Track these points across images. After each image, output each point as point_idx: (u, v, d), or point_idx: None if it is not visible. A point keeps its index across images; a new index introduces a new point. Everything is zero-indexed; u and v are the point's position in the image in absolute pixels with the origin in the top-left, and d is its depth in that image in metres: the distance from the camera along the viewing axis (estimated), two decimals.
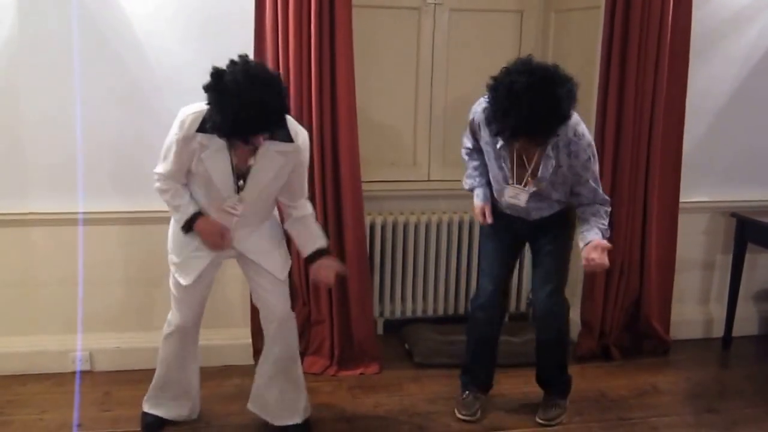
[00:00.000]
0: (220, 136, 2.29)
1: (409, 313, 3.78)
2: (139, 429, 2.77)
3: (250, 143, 2.30)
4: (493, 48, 3.70)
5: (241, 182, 2.42)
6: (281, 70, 3.03)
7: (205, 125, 2.31)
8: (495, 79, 2.44)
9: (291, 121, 2.45)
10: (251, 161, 2.40)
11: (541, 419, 2.96)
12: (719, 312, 3.80)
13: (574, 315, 3.68)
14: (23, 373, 3.14)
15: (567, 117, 2.44)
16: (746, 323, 3.86)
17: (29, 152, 3.03)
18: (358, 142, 3.17)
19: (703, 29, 3.46)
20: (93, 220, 3.09)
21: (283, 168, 2.44)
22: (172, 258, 2.59)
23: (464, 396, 3.01)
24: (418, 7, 3.68)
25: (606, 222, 2.71)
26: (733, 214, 3.68)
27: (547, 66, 2.42)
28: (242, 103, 2.12)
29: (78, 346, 3.18)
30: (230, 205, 2.45)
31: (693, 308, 3.85)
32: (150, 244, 3.11)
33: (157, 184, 2.49)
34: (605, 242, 2.63)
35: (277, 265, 2.61)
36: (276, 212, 2.71)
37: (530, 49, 3.72)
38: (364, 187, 3.30)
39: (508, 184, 2.71)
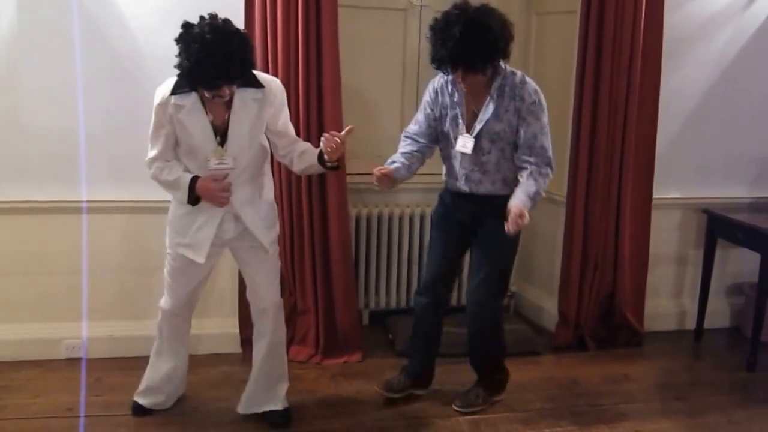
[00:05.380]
0: (188, 84, 2.40)
1: (393, 305, 3.89)
2: (129, 413, 2.87)
3: (216, 94, 2.39)
4: None
5: (219, 138, 2.51)
6: (270, 68, 3.16)
7: (177, 89, 2.46)
8: (434, 17, 2.67)
9: (263, 75, 2.59)
10: (227, 115, 2.50)
11: (455, 405, 3.00)
12: (692, 305, 3.93)
13: (551, 306, 3.82)
14: (17, 359, 3.22)
15: (499, 47, 2.59)
16: (718, 316, 4.00)
17: (26, 142, 3.12)
18: None
19: (675, 34, 3.59)
20: (88, 209, 3.17)
21: (260, 114, 2.55)
22: (178, 240, 2.65)
23: (394, 375, 3.10)
24: (404, 8, 3.80)
25: (538, 184, 2.69)
26: (705, 211, 3.81)
27: (481, 3, 2.63)
28: (205, 49, 2.27)
29: (83, 334, 3.27)
30: (217, 162, 2.52)
31: (666, 301, 3.97)
32: (144, 234, 3.21)
33: (151, 170, 2.59)
34: (519, 210, 2.55)
35: (266, 237, 2.67)
36: (272, 196, 2.77)
37: (512, 50, 3.86)
38: (350, 179, 3.41)
39: (459, 134, 2.77)
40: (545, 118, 2.74)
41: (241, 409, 2.86)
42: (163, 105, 2.49)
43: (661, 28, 3.49)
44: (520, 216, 2.54)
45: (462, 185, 2.85)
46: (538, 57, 3.93)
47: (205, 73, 2.31)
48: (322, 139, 2.56)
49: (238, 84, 2.46)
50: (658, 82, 3.55)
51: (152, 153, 2.57)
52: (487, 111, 2.73)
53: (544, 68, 3.86)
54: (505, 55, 2.65)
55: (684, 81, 3.70)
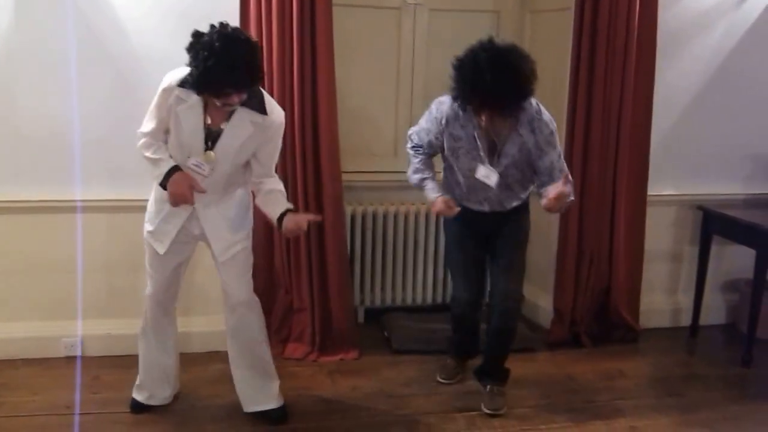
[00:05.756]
0: (195, 89, 2.42)
1: (389, 302, 3.91)
2: (126, 410, 2.90)
3: (223, 102, 2.41)
4: None
5: (209, 143, 2.54)
6: (264, 66, 3.14)
7: (185, 83, 2.47)
8: (459, 58, 2.60)
9: (270, 99, 2.62)
10: (223, 125, 2.52)
11: (490, 409, 3.00)
12: (687, 302, 3.93)
13: (546, 303, 3.83)
14: (15, 357, 3.25)
15: (529, 90, 2.59)
16: (714, 312, 4.01)
17: (22, 142, 3.15)
18: (337, 134, 3.30)
19: (669, 30, 3.60)
20: (84, 208, 3.20)
21: (252, 138, 2.56)
22: (147, 227, 2.71)
23: (447, 361, 3.25)
24: (398, 7, 3.83)
25: (569, 188, 2.72)
26: (700, 207, 3.81)
27: (507, 44, 2.60)
28: (213, 56, 2.28)
29: (78, 332, 3.30)
30: (196, 162, 2.54)
31: (662, 298, 3.98)
32: (139, 233, 3.22)
33: (140, 142, 2.61)
34: (564, 182, 2.65)
35: (221, 243, 2.68)
36: (251, 203, 2.79)
37: None
38: (346, 177, 3.44)
39: (481, 164, 2.78)
40: (558, 141, 2.81)
41: (245, 408, 2.88)
42: (167, 91, 2.51)
43: (655, 24, 3.50)
44: (568, 182, 2.61)
45: (484, 207, 2.90)
46: (532, 54, 3.88)
47: (213, 81, 2.33)
48: (288, 217, 2.59)
49: (247, 99, 2.46)
50: (652, 79, 3.56)
51: (145, 128, 2.60)
52: (512, 145, 2.76)
53: (538, 66, 3.82)
54: (532, 95, 2.65)
55: (678, 77, 3.71)
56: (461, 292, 2.99)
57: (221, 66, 2.29)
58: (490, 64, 2.49)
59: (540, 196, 2.82)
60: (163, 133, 2.60)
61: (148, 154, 2.60)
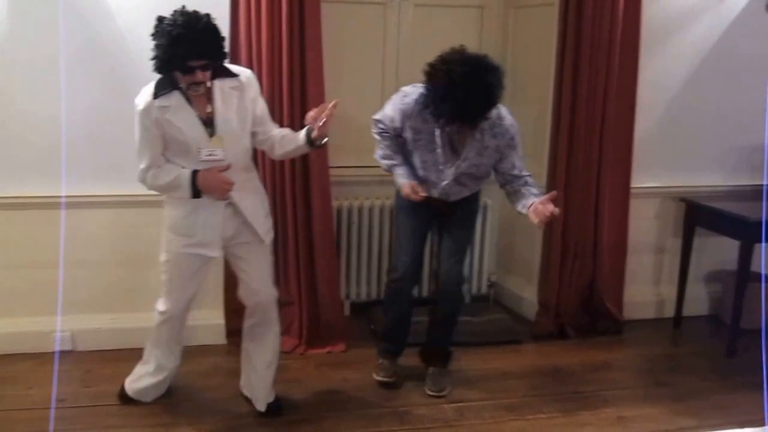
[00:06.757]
0: (162, 66, 2.45)
1: (374, 296, 3.93)
2: (119, 403, 2.93)
3: (189, 80, 2.45)
4: (455, 42, 3.80)
5: (209, 130, 2.56)
6: (254, 61, 3.21)
7: (157, 93, 2.50)
8: (432, 66, 2.65)
9: (233, 66, 2.68)
10: (209, 108, 2.55)
11: (433, 390, 3.08)
12: (671, 293, 3.97)
13: (531, 296, 3.87)
14: (9, 352, 3.27)
15: (497, 102, 2.67)
16: (697, 304, 4.05)
17: (14, 138, 3.16)
18: None
19: (653, 25, 3.64)
20: (75, 204, 3.19)
21: (241, 102, 2.60)
22: (188, 241, 2.63)
23: (380, 361, 3.22)
24: (383, 2, 3.86)
25: (536, 190, 2.87)
26: (683, 199, 3.86)
27: (479, 55, 2.66)
28: (178, 27, 2.38)
29: (73, 327, 3.32)
30: (208, 152, 2.55)
31: (645, 290, 4.02)
32: (131, 228, 3.26)
33: (147, 181, 2.61)
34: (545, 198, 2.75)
35: (263, 226, 2.73)
36: (263, 188, 2.84)
37: (491, 43, 3.92)
38: (333, 172, 3.46)
39: (443, 165, 2.85)
40: (520, 144, 2.89)
41: (261, 407, 2.89)
42: (147, 110, 2.51)
43: (639, 19, 3.54)
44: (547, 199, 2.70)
45: (436, 194, 2.96)
46: (516, 50, 3.97)
47: (179, 52, 2.38)
48: (309, 115, 2.58)
49: (213, 73, 2.51)
50: (636, 73, 3.60)
51: (144, 163, 2.59)
52: (471, 150, 2.83)
53: (523, 61, 3.90)
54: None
55: (662, 71, 3.75)
56: (405, 256, 3.04)
57: (186, 35, 2.36)
58: (463, 79, 2.54)
59: (508, 194, 2.93)
60: (161, 156, 2.59)
61: (160, 182, 2.59)
